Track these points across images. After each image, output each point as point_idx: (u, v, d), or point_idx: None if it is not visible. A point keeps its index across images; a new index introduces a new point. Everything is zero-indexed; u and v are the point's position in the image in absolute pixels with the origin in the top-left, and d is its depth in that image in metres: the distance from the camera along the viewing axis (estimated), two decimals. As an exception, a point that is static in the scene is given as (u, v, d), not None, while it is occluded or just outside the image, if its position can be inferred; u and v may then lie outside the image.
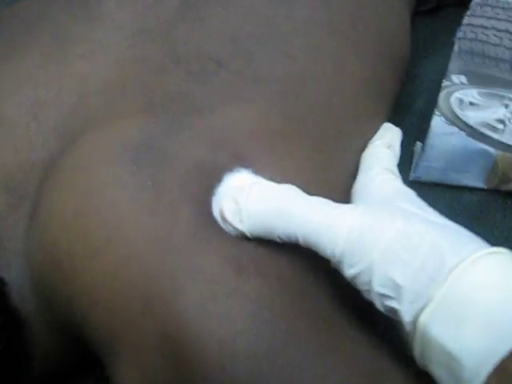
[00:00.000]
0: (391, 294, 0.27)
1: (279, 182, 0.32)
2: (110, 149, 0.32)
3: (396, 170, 0.37)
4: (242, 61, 0.38)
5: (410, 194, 0.33)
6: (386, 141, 0.40)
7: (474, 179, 0.50)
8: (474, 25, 0.51)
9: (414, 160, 0.52)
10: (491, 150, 0.48)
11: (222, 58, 0.38)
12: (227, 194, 0.31)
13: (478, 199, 0.51)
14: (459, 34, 0.51)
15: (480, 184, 0.51)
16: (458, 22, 0.53)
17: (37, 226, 0.33)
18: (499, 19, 0.51)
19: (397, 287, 0.26)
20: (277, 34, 0.40)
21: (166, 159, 0.32)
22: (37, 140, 0.35)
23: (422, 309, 0.25)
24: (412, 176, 0.51)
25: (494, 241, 0.49)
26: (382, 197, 0.33)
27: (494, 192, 0.51)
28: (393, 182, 0.35)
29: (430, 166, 0.50)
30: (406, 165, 0.52)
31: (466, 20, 0.51)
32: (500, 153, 0.48)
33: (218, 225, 0.30)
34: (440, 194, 0.51)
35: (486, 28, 0.51)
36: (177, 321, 0.27)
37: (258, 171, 0.32)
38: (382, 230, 0.27)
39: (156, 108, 0.34)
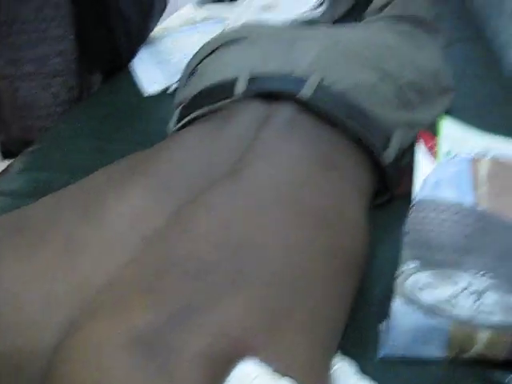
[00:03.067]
0: None
1: (277, 366, 0.38)
2: (119, 340, 0.36)
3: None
4: (228, 266, 0.44)
5: None
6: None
7: (435, 351, 0.56)
8: (418, 217, 0.60)
9: (380, 339, 0.58)
10: (447, 324, 0.55)
11: (212, 261, 0.44)
12: (236, 379, 0.37)
13: (442, 369, 0.57)
14: (407, 227, 0.60)
15: (442, 354, 0.56)
16: (405, 210, 0.63)
17: None
18: (438, 211, 0.61)
19: None
20: (256, 241, 0.47)
21: (173, 349, 0.36)
22: (48, 326, 0.40)
23: None
24: (380, 354, 0.57)
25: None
26: None
27: (455, 360, 0.57)
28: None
29: (395, 343, 0.56)
30: (373, 344, 0.58)
31: (411, 215, 0.61)
32: (455, 326, 0.55)
33: None
34: (407, 368, 0.57)
35: (428, 220, 0.60)
36: None
37: (259, 358, 0.38)
38: None
39: (158, 304, 0.40)
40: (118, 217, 0.48)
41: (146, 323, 0.38)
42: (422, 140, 0.78)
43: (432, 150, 0.77)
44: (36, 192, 0.87)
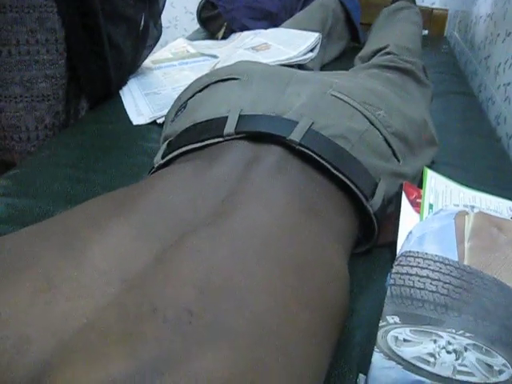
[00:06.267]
0: None
1: None
2: None
3: None
4: (211, 313, 0.43)
5: None
6: None
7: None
8: (401, 273, 0.60)
9: (359, 392, 0.57)
10: (426, 380, 0.55)
11: (194, 308, 0.43)
12: None
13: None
14: (390, 281, 0.60)
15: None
16: (386, 260, 0.63)
17: None
18: (421, 267, 0.61)
19: None
20: (240, 289, 0.46)
21: None
22: (19, 367, 0.38)
23: None
24: (358, 407, 0.56)
25: None
26: None
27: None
28: None
29: (374, 398, 0.55)
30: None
31: (394, 269, 0.61)
32: (433, 383, 0.54)
33: None
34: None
35: (411, 275, 0.60)
36: None
37: None
38: None
39: (135, 352, 0.38)
40: (99, 256, 0.47)
41: (121, 372, 0.36)
42: (405, 192, 0.79)
43: (416, 202, 0.78)
44: (14, 218, 0.86)
